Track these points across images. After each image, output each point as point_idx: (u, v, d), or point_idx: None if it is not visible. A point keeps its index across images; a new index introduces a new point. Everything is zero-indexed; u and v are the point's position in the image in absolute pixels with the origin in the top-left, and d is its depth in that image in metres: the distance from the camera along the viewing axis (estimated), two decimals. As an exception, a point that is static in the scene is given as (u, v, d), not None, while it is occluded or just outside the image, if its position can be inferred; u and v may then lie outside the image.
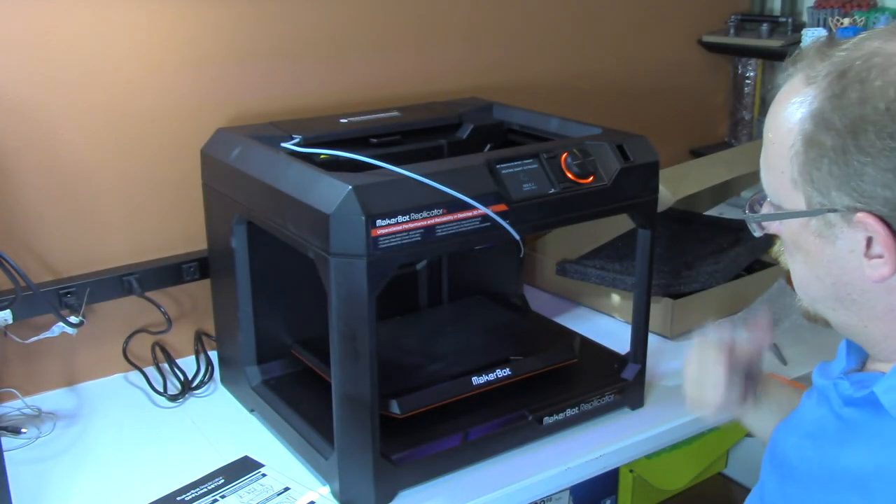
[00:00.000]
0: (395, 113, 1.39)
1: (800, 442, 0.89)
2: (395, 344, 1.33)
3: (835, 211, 0.76)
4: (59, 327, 1.29)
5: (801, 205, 0.79)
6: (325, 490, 1.12)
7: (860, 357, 0.89)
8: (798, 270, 0.85)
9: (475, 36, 1.68)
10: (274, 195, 1.08)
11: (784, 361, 1.45)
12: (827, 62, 0.76)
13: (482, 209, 1.04)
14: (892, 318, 0.79)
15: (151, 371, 1.42)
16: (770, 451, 0.96)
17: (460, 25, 1.66)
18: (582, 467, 1.19)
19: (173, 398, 1.35)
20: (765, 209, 0.85)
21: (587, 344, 1.40)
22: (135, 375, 1.42)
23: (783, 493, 0.91)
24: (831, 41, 0.78)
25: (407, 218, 0.99)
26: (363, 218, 0.96)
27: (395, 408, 1.13)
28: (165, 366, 1.43)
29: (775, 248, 0.91)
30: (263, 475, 1.16)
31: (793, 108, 0.78)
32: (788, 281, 1.57)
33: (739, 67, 2.11)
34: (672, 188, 1.44)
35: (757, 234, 0.87)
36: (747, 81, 2.11)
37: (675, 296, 1.52)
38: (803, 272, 0.84)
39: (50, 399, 1.36)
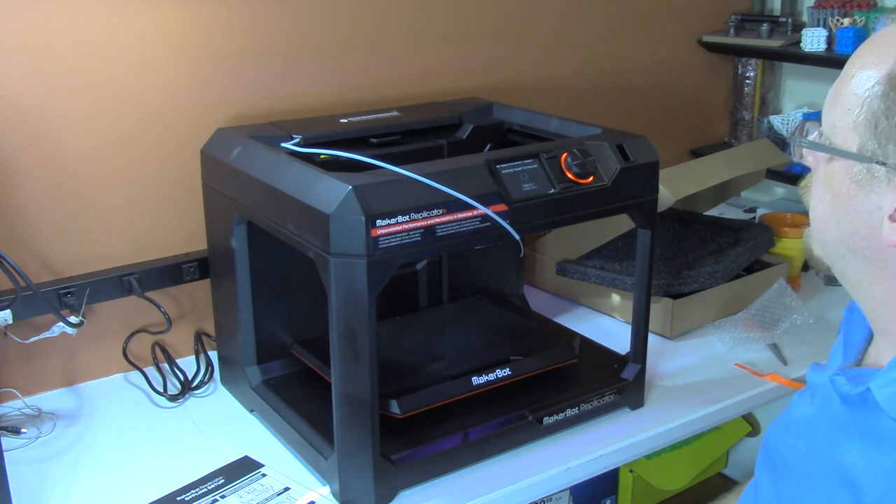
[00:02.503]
0: (394, 113, 1.39)
1: (794, 441, 0.89)
2: (395, 344, 1.33)
3: (884, 165, 0.76)
4: (59, 327, 1.29)
5: (852, 147, 0.78)
6: (325, 490, 1.12)
7: (857, 351, 0.89)
8: (820, 209, 0.84)
9: (475, 36, 1.68)
10: (274, 195, 1.08)
11: (784, 361, 1.45)
12: None
13: (482, 209, 1.04)
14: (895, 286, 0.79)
15: (151, 371, 1.42)
16: (763, 452, 0.96)
17: (460, 25, 1.66)
18: (582, 467, 1.19)
19: (173, 398, 1.35)
20: (812, 138, 0.83)
21: (587, 344, 1.40)
22: (135, 375, 1.42)
23: (777, 492, 0.91)
24: None
25: (407, 218, 0.99)
26: (363, 218, 0.96)
27: (395, 408, 1.13)
28: (165, 366, 1.43)
29: (803, 182, 0.90)
30: (263, 475, 1.16)
31: (892, 49, 0.76)
32: (789, 281, 1.59)
33: (739, 67, 2.11)
34: (672, 188, 1.44)
35: (795, 158, 0.86)
36: (747, 81, 2.11)
37: (675, 296, 1.52)
38: (826, 213, 0.83)
39: (50, 399, 1.36)
